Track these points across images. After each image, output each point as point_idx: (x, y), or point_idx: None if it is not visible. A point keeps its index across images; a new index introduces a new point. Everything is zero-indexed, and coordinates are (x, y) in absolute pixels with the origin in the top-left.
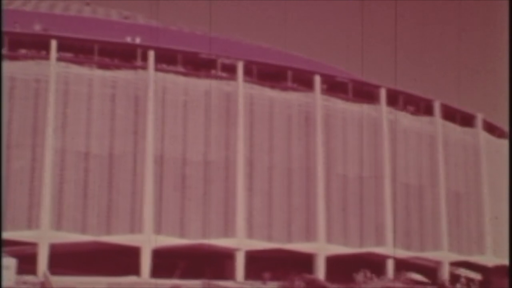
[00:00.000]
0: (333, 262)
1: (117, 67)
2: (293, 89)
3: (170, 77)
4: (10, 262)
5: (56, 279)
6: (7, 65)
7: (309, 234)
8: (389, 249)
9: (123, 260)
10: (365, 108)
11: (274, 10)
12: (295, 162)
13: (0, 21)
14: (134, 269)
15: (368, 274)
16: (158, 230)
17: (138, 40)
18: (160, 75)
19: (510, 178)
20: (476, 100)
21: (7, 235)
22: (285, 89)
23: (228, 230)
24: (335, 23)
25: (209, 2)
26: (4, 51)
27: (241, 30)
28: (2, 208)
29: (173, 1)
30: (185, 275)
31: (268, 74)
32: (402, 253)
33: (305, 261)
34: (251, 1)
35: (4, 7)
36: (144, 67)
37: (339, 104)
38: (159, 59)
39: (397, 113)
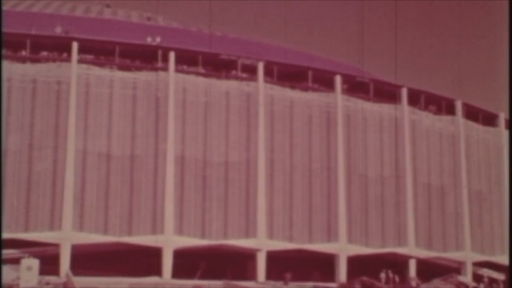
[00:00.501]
0: (354, 262)
1: (138, 69)
2: (314, 90)
3: (191, 78)
4: (33, 263)
5: (78, 280)
6: (29, 67)
7: (330, 234)
8: (411, 249)
9: (144, 260)
10: (386, 108)
11: (274, 7)
12: (315, 162)
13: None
14: (155, 270)
15: (391, 274)
16: (179, 230)
17: (158, 42)
18: (181, 76)
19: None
20: (476, 98)
21: (30, 236)
22: (305, 89)
23: (249, 230)
24: (335, 19)
25: (209, 1)
26: (26, 53)
27: (240, 26)
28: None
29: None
30: (206, 275)
31: (288, 75)
32: (424, 253)
33: (326, 262)
34: None
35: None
36: (165, 69)
37: (360, 104)
38: (179, 60)
39: (419, 113)
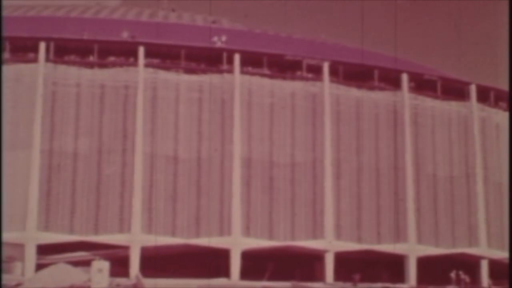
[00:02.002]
0: (424, 263)
1: (203, 72)
2: (380, 88)
3: (256, 79)
4: (103, 265)
5: (147, 281)
6: (97, 72)
7: (399, 234)
8: (483, 250)
9: (212, 262)
10: (454, 106)
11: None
12: (383, 162)
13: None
14: (223, 271)
15: (462, 275)
16: (246, 232)
17: (224, 41)
18: (246, 78)
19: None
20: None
21: (100, 238)
22: (372, 88)
23: (316, 231)
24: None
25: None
26: (94, 59)
27: (239, 17)
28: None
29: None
30: (274, 277)
31: (354, 74)
32: (497, 254)
33: (395, 262)
34: None
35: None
36: (230, 71)
37: (427, 102)
38: (244, 62)
39: (488, 110)
